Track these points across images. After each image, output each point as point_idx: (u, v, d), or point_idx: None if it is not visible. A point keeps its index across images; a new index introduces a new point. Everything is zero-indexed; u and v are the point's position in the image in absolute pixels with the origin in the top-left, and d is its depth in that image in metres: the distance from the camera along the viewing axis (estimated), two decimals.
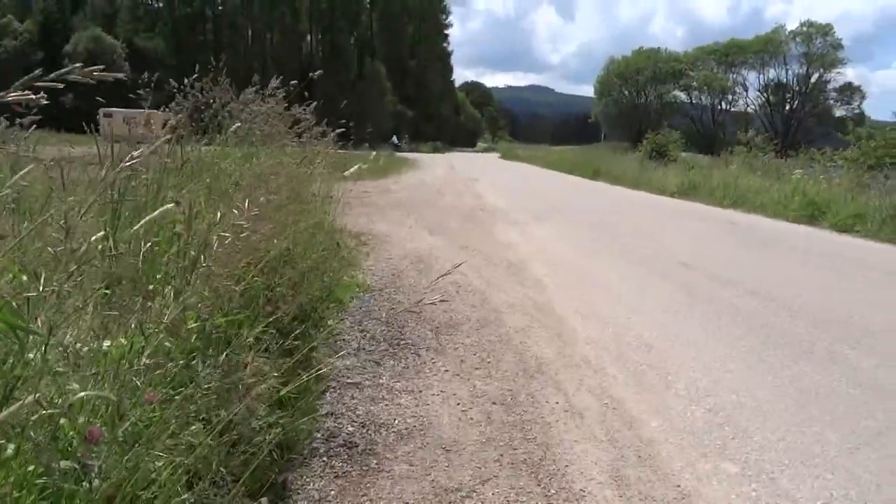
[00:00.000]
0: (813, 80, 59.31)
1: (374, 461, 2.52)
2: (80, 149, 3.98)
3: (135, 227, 1.55)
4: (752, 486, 2.44)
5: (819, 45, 58.12)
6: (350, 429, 2.77)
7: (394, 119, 59.01)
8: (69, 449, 1.21)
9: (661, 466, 2.57)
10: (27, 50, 48.24)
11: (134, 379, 1.36)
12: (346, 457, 2.53)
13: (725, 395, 3.28)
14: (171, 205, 1.52)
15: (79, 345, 1.29)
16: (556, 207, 12.26)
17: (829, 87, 59.06)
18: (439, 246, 7.27)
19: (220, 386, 1.75)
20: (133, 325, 1.50)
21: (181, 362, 1.65)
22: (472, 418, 2.94)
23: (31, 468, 1.14)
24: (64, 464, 1.17)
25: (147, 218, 1.44)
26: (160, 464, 1.33)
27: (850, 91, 58.78)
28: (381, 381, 3.32)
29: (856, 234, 9.22)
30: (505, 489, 2.36)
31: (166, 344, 1.58)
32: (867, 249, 8.04)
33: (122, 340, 1.45)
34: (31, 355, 1.18)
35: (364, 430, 2.77)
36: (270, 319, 2.88)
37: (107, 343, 1.38)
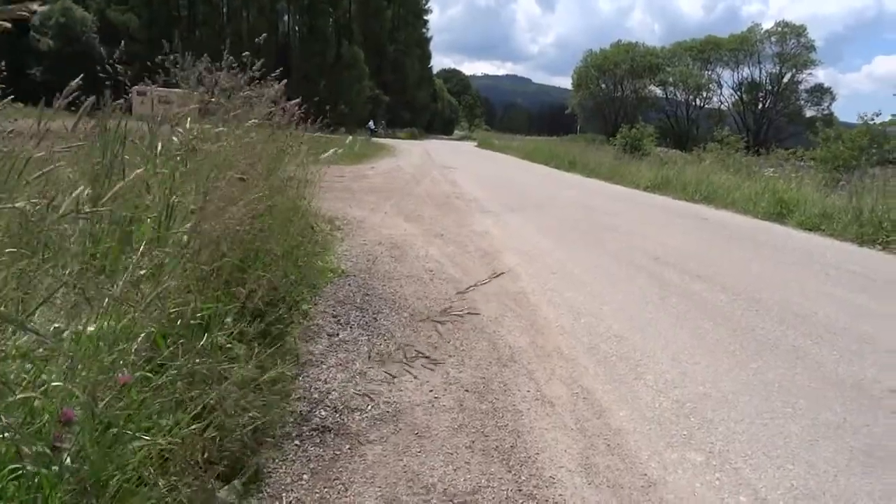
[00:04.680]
0: (785, 79, 60.50)
1: (347, 446, 2.53)
2: (55, 123, 3.87)
3: (113, 189, 1.51)
4: (716, 476, 2.51)
5: (792, 45, 59.28)
6: (323, 413, 2.77)
7: (371, 104, 58.41)
8: (42, 431, 1.19)
9: (629, 455, 2.63)
10: None
11: (121, 362, 1.34)
12: (318, 441, 2.54)
13: (692, 386, 3.35)
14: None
15: (54, 326, 1.26)
16: (531, 198, 12.32)
17: (801, 87, 60.41)
18: (414, 233, 7.27)
19: (196, 369, 1.74)
20: (107, 308, 1.47)
21: (160, 345, 1.63)
22: (444, 405, 2.96)
23: (3, 450, 1.11)
24: (36, 447, 1.14)
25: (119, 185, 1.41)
26: (136, 444, 1.31)
27: (820, 92, 60.14)
28: (354, 366, 3.32)
29: (821, 233, 9.44)
30: (476, 475, 2.39)
31: (150, 329, 1.56)
32: (832, 248, 8.25)
33: (104, 324, 1.42)
34: (9, 341, 1.15)
35: (337, 415, 2.77)
36: (244, 303, 2.86)
37: (91, 328, 1.35)
